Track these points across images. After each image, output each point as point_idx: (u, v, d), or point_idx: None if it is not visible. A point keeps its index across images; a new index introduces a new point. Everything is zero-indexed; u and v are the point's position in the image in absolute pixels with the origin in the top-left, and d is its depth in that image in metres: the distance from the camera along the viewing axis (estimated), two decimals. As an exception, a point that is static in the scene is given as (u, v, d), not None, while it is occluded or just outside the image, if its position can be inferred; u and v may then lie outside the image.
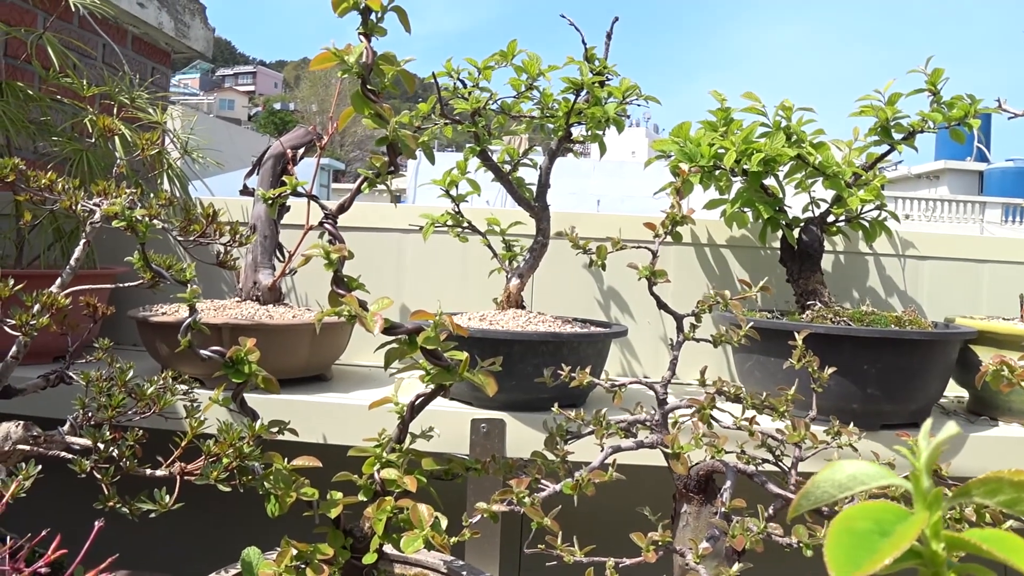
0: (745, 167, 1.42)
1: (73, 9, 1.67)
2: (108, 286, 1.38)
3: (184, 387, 0.93)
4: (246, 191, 1.60)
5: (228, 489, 0.81)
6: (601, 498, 0.94)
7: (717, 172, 1.47)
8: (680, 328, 1.05)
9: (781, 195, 1.51)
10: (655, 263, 1.07)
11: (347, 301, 0.78)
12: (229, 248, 1.09)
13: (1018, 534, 0.26)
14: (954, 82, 1.46)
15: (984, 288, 1.72)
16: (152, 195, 1.05)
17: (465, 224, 1.55)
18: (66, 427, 0.86)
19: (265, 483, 0.83)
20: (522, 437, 1.25)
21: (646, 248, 1.12)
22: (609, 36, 1.39)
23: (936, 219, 17.32)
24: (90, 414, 0.86)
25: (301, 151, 1.49)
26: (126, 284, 1.05)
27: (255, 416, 0.87)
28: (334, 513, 0.87)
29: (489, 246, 1.55)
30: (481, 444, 1.24)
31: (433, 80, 1.38)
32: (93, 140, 1.56)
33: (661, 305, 1.08)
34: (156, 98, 1.73)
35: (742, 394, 1.00)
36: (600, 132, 1.42)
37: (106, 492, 0.80)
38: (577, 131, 1.42)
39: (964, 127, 1.43)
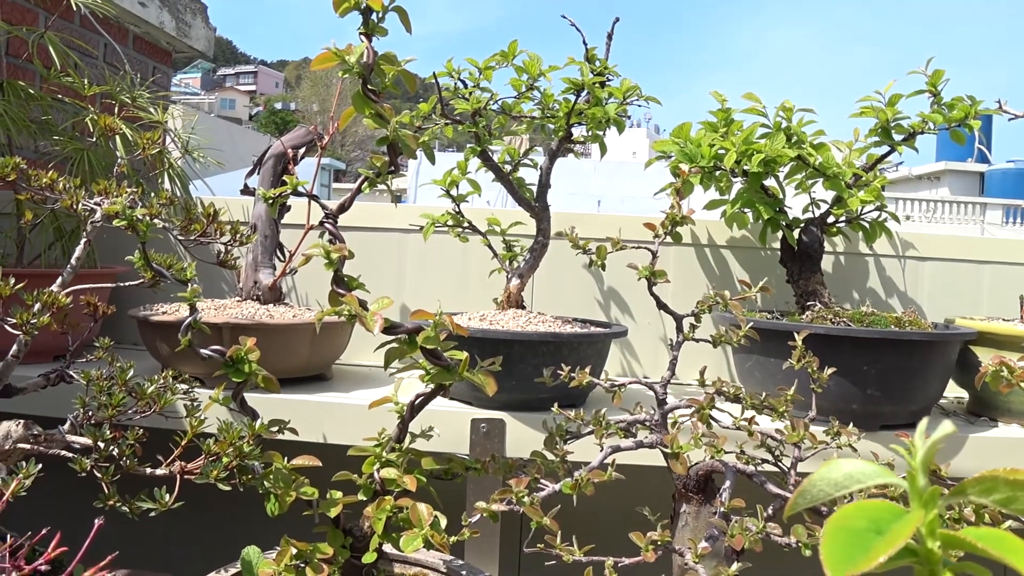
0: (745, 168, 1.43)
1: (74, 8, 1.67)
2: (109, 285, 1.38)
3: (184, 386, 0.93)
4: (247, 191, 1.61)
5: (228, 488, 0.81)
6: (601, 498, 0.94)
7: (717, 173, 1.48)
8: (680, 328, 1.05)
9: (781, 196, 1.51)
10: (655, 263, 1.07)
11: (347, 300, 0.78)
12: (229, 247, 1.09)
13: (1018, 535, 0.27)
14: (956, 83, 1.46)
15: (984, 289, 1.72)
16: (153, 194, 1.05)
17: (465, 224, 1.55)
18: (66, 426, 0.87)
19: (265, 482, 0.83)
20: (522, 437, 1.25)
21: (646, 248, 1.12)
22: (610, 37, 1.39)
23: (937, 220, 17.32)
24: (90, 413, 0.86)
25: (302, 151, 1.49)
26: (127, 283, 1.05)
27: (255, 415, 0.87)
28: (334, 512, 0.87)
29: (489, 246, 1.55)
30: (481, 444, 1.24)
31: (434, 80, 1.38)
32: (94, 139, 1.56)
33: (661, 305, 1.08)
34: (157, 97, 1.73)
35: (741, 394, 1.00)
36: (601, 132, 1.43)
37: (106, 491, 0.80)
38: (578, 131, 1.42)
39: (964, 128, 1.43)
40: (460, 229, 1.56)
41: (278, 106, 51.84)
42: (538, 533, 0.85)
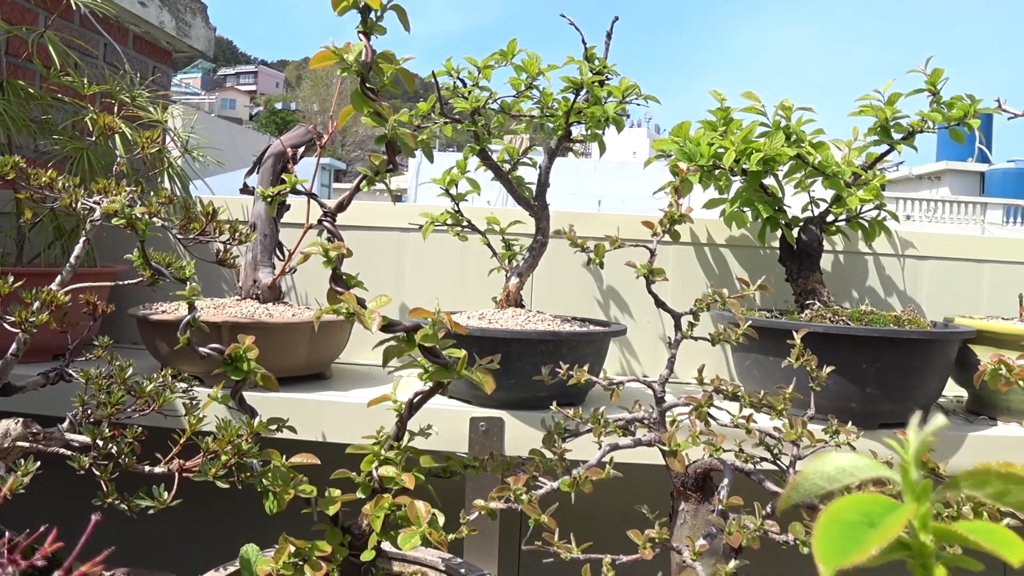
0: (744, 166, 1.43)
1: (74, 8, 1.67)
2: (108, 284, 1.38)
3: (183, 385, 0.94)
4: (246, 190, 1.61)
5: (226, 486, 0.81)
6: (599, 496, 0.94)
7: (716, 171, 1.48)
8: (678, 326, 1.05)
9: (780, 195, 1.51)
10: (652, 261, 1.07)
11: (345, 298, 0.78)
12: (228, 246, 1.09)
13: (1018, 533, 0.27)
14: (956, 83, 1.46)
15: (984, 288, 1.72)
16: (152, 193, 1.05)
17: (464, 223, 1.55)
18: (65, 424, 0.87)
19: (263, 480, 0.84)
20: (521, 436, 1.25)
21: (644, 246, 1.12)
22: (609, 36, 1.39)
23: (937, 220, 17.31)
24: (89, 411, 0.87)
25: (301, 150, 1.49)
26: (126, 282, 1.05)
27: (254, 413, 0.87)
28: (332, 510, 0.87)
29: (488, 245, 1.55)
30: (480, 442, 1.24)
31: (433, 80, 1.38)
32: (94, 138, 1.56)
33: (659, 303, 1.09)
34: (157, 97, 1.73)
35: (740, 392, 1.00)
36: (600, 131, 1.43)
37: (105, 489, 0.80)
38: (577, 130, 1.42)
39: (963, 127, 1.43)
40: (459, 228, 1.56)
41: (278, 106, 51.87)
42: (536, 531, 0.86)
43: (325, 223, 0.85)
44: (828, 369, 0.99)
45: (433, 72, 1.39)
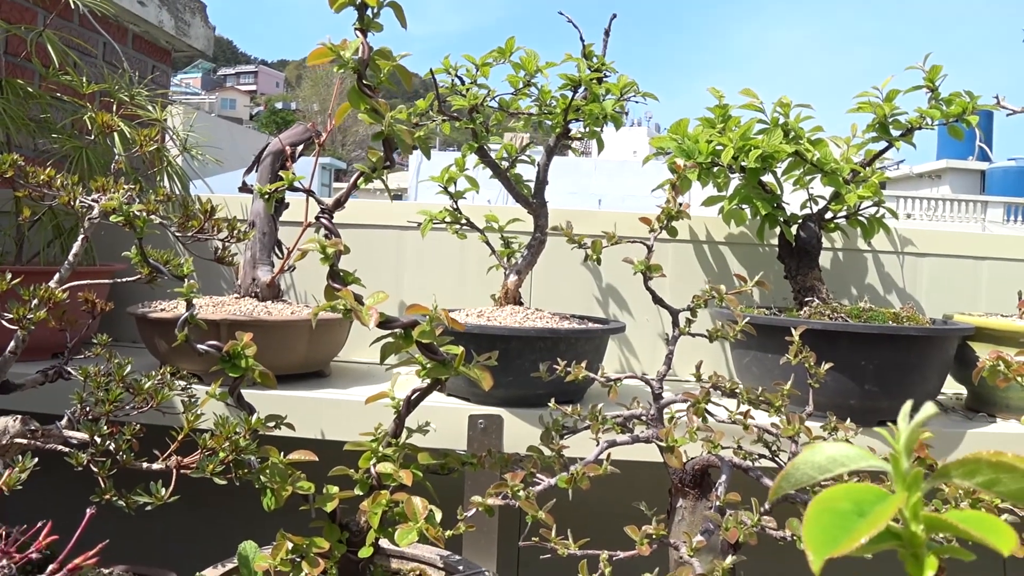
0: (743, 163, 1.43)
1: (73, 7, 1.67)
2: (107, 282, 1.38)
3: (182, 382, 0.94)
4: (245, 188, 1.61)
5: (224, 482, 0.82)
6: (597, 493, 0.95)
7: (715, 169, 1.48)
8: (676, 323, 1.05)
9: (779, 192, 1.51)
10: (650, 257, 1.07)
11: (343, 295, 0.78)
12: (227, 244, 1.10)
13: (1015, 528, 0.27)
14: (956, 83, 1.46)
15: (983, 285, 1.72)
16: (151, 191, 1.05)
17: (463, 221, 1.55)
18: (64, 421, 0.87)
19: (261, 476, 0.84)
20: (520, 433, 1.25)
21: (641, 243, 1.12)
22: (607, 33, 1.39)
23: (938, 218, 17.30)
24: (88, 409, 0.87)
25: (300, 148, 1.49)
26: (124, 280, 1.05)
27: (252, 410, 0.88)
28: (330, 507, 0.87)
29: (487, 243, 1.55)
30: (479, 440, 1.24)
31: (431, 78, 1.38)
32: (92, 137, 1.56)
33: (656, 300, 1.09)
34: (156, 96, 1.74)
35: (738, 389, 1.00)
36: (598, 129, 1.43)
37: (103, 485, 0.81)
38: (575, 128, 1.42)
39: (962, 123, 1.43)
40: (458, 226, 1.56)
41: (279, 106, 51.88)
42: (534, 527, 0.86)
43: (322, 220, 0.85)
44: (827, 366, 0.99)
45: (431, 70, 1.39)
